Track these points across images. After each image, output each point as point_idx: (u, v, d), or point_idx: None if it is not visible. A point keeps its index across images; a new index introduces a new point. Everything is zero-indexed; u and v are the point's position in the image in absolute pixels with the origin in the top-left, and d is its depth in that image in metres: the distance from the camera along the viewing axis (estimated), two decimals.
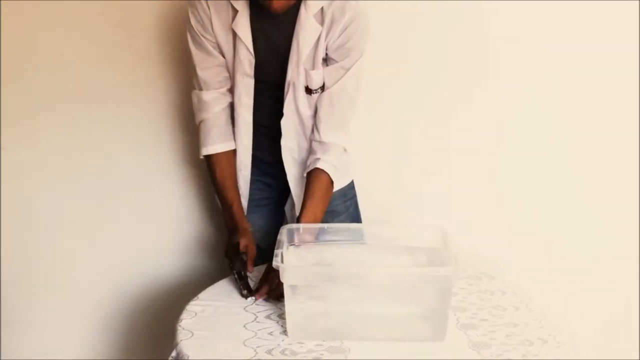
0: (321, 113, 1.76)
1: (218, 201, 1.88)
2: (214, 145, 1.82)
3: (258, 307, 1.54)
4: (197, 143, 1.87)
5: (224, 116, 1.82)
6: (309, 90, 1.76)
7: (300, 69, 1.74)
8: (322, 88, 1.76)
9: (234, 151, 1.85)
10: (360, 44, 1.74)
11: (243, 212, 1.85)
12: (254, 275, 1.70)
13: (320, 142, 1.77)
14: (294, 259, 1.54)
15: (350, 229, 1.65)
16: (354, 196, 1.99)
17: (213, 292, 1.63)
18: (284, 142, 1.82)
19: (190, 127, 2.05)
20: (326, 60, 1.75)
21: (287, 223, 1.83)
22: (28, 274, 2.23)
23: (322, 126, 1.76)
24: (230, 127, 1.84)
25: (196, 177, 2.20)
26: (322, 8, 1.70)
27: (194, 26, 1.75)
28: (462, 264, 1.38)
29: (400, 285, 1.42)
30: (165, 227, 2.23)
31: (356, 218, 1.98)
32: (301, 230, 1.60)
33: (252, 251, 1.76)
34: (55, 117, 2.13)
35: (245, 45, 1.73)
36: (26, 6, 2.04)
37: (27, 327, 2.27)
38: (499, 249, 2.14)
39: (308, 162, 1.78)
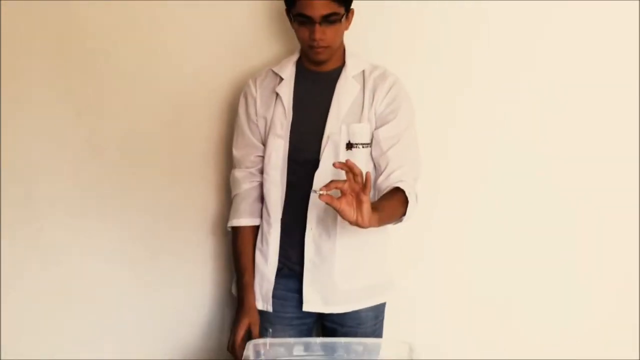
0: (391, 167, 1.77)
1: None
2: (240, 219, 1.93)
3: None
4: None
5: (254, 194, 1.93)
6: (350, 146, 1.80)
7: (340, 124, 1.80)
8: (366, 146, 1.80)
9: (258, 227, 1.93)
10: (406, 102, 1.84)
11: (252, 286, 1.91)
12: None
13: (396, 181, 1.74)
14: None
15: (322, 344, 1.63)
16: (382, 319, 1.96)
17: None
18: (313, 197, 1.81)
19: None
20: (378, 127, 1.81)
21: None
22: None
23: (394, 174, 1.77)
24: (258, 204, 1.93)
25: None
26: (363, 71, 1.85)
27: (239, 107, 1.93)
28: None
29: None
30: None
31: None
32: (268, 346, 1.59)
33: (255, 331, 1.88)
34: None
35: (283, 104, 1.84)
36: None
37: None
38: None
39: (383, 189, 1.76)
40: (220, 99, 2.11)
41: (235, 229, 1.95)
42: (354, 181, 1.53)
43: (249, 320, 1.90)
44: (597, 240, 2.18)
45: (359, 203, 1.54)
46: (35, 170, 2.12)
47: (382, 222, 1.62)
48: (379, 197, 1.74)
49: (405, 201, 1.71)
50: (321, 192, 1.50)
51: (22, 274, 2.17)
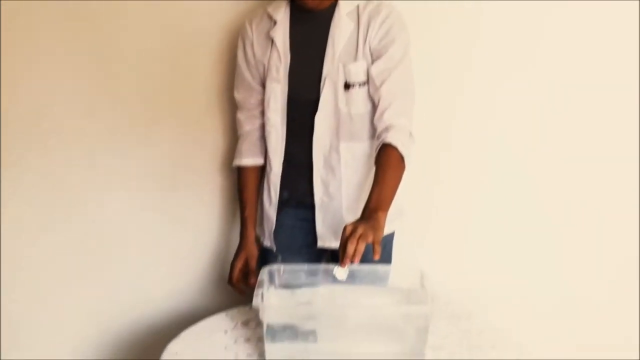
0: (382, 105, 1.77)
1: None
2: (242, 158, 1.98)
3: (238, 347, 1.56)
4: None
5: (256, 134, 1.97)
6: (347, 86, 1.80)
7: (336, 64, 1.79)
8: (363, 84, 1.79)
9: (262, 167, 1.98)
10: (401, 33, 1.80)
11: (253, 221, 1.99)
12: None
13: (385, 127, 1.75)
14: (274, 299, 1.57)
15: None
16: (390, 249, 1.98)
17: (195, 332, 1.65)
18: (316, 140, 1.84)
19: None
20: (373, 61, 1.79)
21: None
22: (6, 303, 2.23)
23: (385, 114, 1.76)
24: (261, 145, 1.97)
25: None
26: (357, 7, 1.81)
27: (238, 50, 1.93)
28: (438, 303, 1.41)
29: (379, 324, 1.45)
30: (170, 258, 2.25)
31: None
32: (282, 271, 1.63)
33: (252, 265, 1.95)
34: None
35: (278, 50, 1.83)
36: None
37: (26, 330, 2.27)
38: (478, 288, 2.16)
39: (375, 148, 1.76)
40: (221, 41, 2.10)
41: (239, 168, 2.01)
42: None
43: (246, 254, 1.97)
44: (575, 279, 2.24)
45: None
46: (49, 108, 2.12)
47: (389, 203, 1.63)
48: (376, 164, 1.71)
49: (400, 153, 1.70)
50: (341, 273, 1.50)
51: (30, 213, 2.18)
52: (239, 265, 1.96)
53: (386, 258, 1.94)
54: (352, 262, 1.47)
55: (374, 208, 1.59)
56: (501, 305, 2.14)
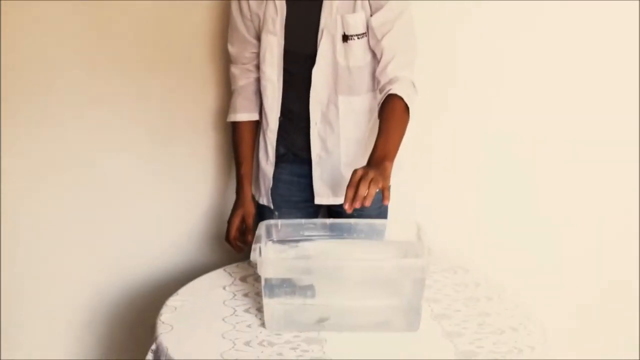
0: (385, 58, 1.75)
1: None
2: (237, 114, 1.95)
3: (237, 302, 1.57)
4: None
5: (251, 89, 1.93)
6: (345, 38, 1.77)
7: (334, 16, 1.76)
8: (362, 36, 1.77)
9: (257, 123, 1.95)
10: None
11: (249, 178, 1.97)
12: None
13: (389, 79, 1.74)
14: (272, 253, 1.58)
15: (331, 225, 1.66)
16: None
17: (193, 288, 1.66)
18: (314, 94, 1.82)
19: None
20: (372, 13, 1.76)
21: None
22: (5, 269, 2.24)
23: (388, 67, 1.75)
24: (255, 100, 1.93)
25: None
26: None
27: (232, 3, 1.87)
28: (435, 257, 1.42)
29: (376, 277, 1.45)
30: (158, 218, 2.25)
31: None
32: (279, 226, 1.63)
33: (249, 222, 1.95)
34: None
35: (274, 1, 1.79)
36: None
37: (4, 323, 2.28)
38: (474, 242, 2.18)
39: (379, 101, 1.74)
40: None
41: (234, 124, 1.97)
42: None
43: (243, 212, 1.96)
44: (570, 235, 2.25)
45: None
46: (48, 62, 2.09)
47: (396, 151, 1.64)
48: (380, 116, 1.70)
49: (405, 104, 1.70)
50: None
51: (29, 166, 2.17)
52: (236, 222, 1.96)
53: (383, 212, 1.95)
54: (363, 205, 1.47)
55: (381, 157, 1.59)
56: (498, 259, 2.15)
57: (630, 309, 2.32)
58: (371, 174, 1.49)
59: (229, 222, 1.98)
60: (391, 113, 1.68)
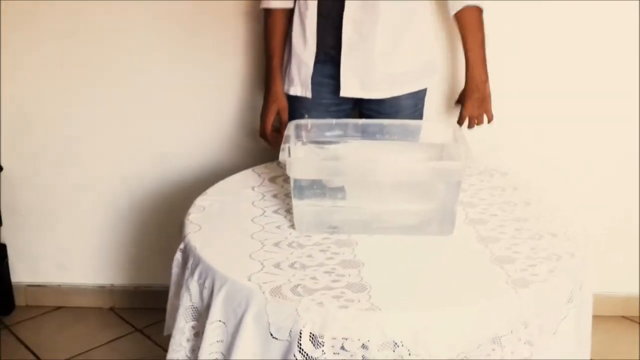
0: None
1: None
2: (270, 0, 1.84)
3: (266, 202, 1.54)
4: None
5: None
6: None
7: None
8: None
9: (291, 12, 1.84)
10: None
11: (281, 71, 1.87)
12: None
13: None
14: (301, 154, 1.53)
15: (363, 125, 1.59)
16: (422, 107, 1.92)
17: (222, 188, 1.63)
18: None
19: None
20: None
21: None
22: (39, 166, 2.27)
23: None
24: None
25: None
26: None
27: None
28: (471, 159, 1.36)
29: (409, 179, 1.39)
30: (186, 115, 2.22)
31: None
32: (309, 127, 1.57)
33: (284, 117, 1.87)
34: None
35: None
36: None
37: (38, 219, 2.32)
38: (512, 145, 2.12)
39: (453, 8, 1.85)
40: None
41: (266, 12, 1.87)
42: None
43: (278, 106, 1.88)
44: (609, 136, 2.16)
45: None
46: None
47: (484, 61, 1.88)
48: (464, 27, 1.85)
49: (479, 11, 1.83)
50: None
51: (58, 64, 2.14)
52: (271, 118, 1.88)
53: (418, 114, 1.87)
54: None
55: (484, 80, 1.88)
56: (536, 165, 2.09)
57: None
58: (481, 119, 1.90)
59: (263, 117, 1.90)
60: (477, 25, 1.85)
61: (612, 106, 2.13)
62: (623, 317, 2.29)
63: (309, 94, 1.84)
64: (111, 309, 2.40)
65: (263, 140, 1.94)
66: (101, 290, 2.40)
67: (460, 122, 1.90)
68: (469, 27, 1.85)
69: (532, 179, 1.68)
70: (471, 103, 1.88)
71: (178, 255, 1.38)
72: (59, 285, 2.40)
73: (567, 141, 2.17)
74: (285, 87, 1.88)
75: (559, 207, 1.52)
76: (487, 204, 1.54)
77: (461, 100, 1.93)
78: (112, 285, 2.40)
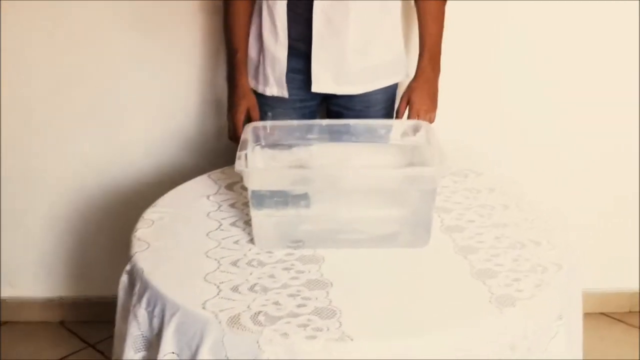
0: None
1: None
2: None
3: (222, 214, 1.40)
4: None
5: None
6: None
7: None
8: None
9: (253, 2, 1.70)
10: None
11: (246, 66, 1.72)
12: None
13: None
14: (260, 161, 1.39)
15: (328, 126, 1.46)
16: (394, 102, 1.80)
17: (173, 197, 1.48)
18: None
19: None
20: None
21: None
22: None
23: None
24: None
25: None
26: None
27: None
28: (446, 165, 1.24)
29: (379, 186, 1.27)
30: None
31: None
32: (269, 129, 1.43)
33: (254, 115, 1.69)
34: None
35: None
36: None
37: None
38: (487, 143, 2.03)
39: None
40: None
41: (226, 4, 1.71)
42: None
43: (247, 104, 1.70)
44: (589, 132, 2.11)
45: None
46: None
47: (439, 54, 1.73)
48: (423, 15, 1.72)
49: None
50: None
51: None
52: (242, 117, 1.70)
53: (389, 111, 1.75)
54: None
55: (434, 77, 1.72)
56: (511, 162, 2.02)
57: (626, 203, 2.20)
58: (428, 116, 1.70)
59: (233, 118, 1.72)
60: (437, 13, 1.72)
61: (605, 102, 2.08)
62: (602, 313, 2.23)
63: (285, 94, 1.70)
64: (61, 323, 2.26)
65: (233, 142, 1.75)
66: (49, 303, 2.26)
67: (410, 118, 1.71)
68: (428, 16, 1.72)
69: (509, 178, 1.58)
70: (421, 97, 1.69)
71: (124, 278, 1.23)
72: (4, 300, 2.25)
73: (545, 139, 2.11)
74: (261, 87, 1.73)
75: (539, 210, 1.41)
76: (462, 208, 1.43)
77: (408, 94, 1.73)
78: (60, 297, 2.26)
